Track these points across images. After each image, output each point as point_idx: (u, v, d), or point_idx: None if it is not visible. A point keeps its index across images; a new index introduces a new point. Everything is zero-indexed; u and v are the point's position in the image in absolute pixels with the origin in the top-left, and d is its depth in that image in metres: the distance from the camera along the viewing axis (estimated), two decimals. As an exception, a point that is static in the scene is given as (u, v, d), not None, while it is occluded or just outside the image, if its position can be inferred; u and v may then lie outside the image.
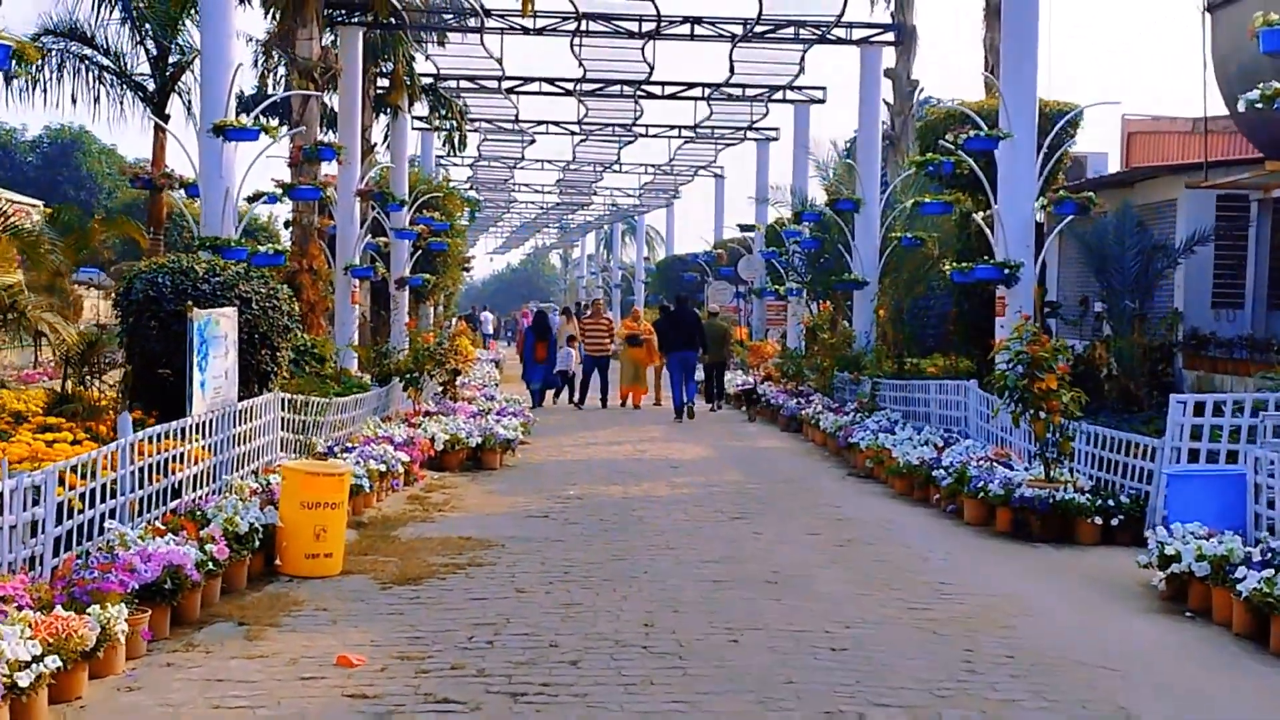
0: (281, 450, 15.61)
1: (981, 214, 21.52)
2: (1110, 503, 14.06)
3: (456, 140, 42.62)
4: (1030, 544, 14.01)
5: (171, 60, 25.77)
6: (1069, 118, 21.02)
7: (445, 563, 12.56)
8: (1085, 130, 25.12)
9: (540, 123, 46.02)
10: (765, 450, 23.22)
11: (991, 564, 13.02)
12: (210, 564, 10.52)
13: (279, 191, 20.97)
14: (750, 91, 38.50)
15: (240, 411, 14.00)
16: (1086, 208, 19.22)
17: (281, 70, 31.87)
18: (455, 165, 56.52)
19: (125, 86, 25.79)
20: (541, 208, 75.80)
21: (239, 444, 13.96)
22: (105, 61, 25.42)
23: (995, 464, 16.23)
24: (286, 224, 29.60)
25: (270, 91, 36.73)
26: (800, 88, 37.63)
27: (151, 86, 25.98)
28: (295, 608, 10.72)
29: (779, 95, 38.30)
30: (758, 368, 34.72)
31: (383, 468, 16.18)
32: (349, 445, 16.95)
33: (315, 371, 22.26)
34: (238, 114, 36.76)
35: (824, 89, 38.55)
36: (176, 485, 12.09)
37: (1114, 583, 12.14)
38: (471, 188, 63.51)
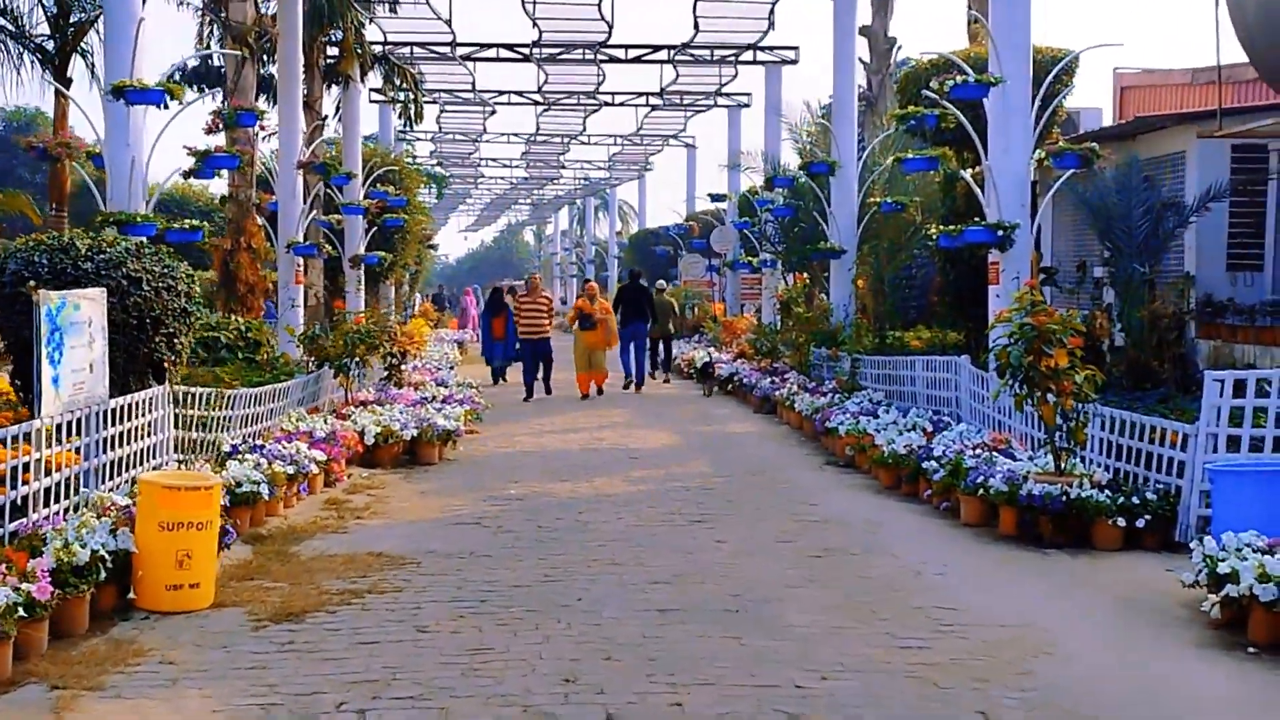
0: (178, 452, 13.55)
1: (970, 171, 19.42)
2: (1134, 500, 11.97)
3: (413, 112, 40.37)
4: (1040, 550, 11.94)
5: (74, 19, 23.37)
6: (1063, 64, 18.99)
7: (342, 589, 10.44)
8: (1076, 84, 23.01)
9: (500, 92, 43.95)
10: (736, 436, 21.11)
11: (997, 579, 10.92)
12: (27, 607, 8.38)
13: (191, 159, 18.72)
14: (718, 53, 36.51)
15: (115, 410, 11.89)
16: (1090, 160, 17.16)
17: (216, 36, 29.78)
18: (418, 140, 54.55)
19: (22, 47, 23.46)
20: (510, 183, 73.75)
21: (112, 448, 11.85)
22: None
23: (994, 453, 14.17)
24: (222, 199, 27.42)
25: (206, 61, 34.76)
26: (770, 48, 35.78)
27: (51, 47, 23.66)
28: (134, 660, 8.57)
29: (748, 56, 36.45)
30: (730, 344, 32.71)
31: (291, 469, 14.05)
32: (259, 443, 14.80)
33: (249, 358, 20.20)
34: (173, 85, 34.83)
35: (796, 49, 36.58)
36: (20, 501, 9.98)
37: (1149, 603, 10.04)
38: (437, 164, 61.53)
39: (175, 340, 14.31)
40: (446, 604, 9.99)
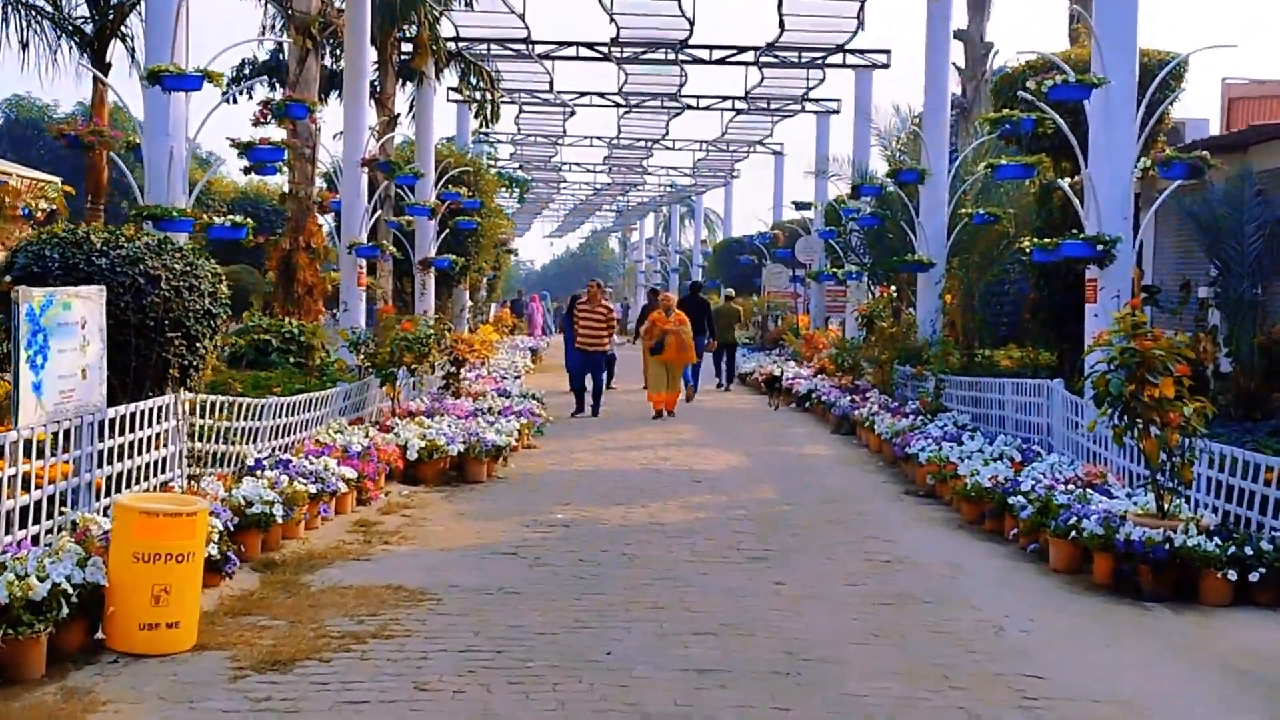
0: (194, 465, 12.42)
1: (1069, 181, 17.98)
2: (1246, 550, 10.55)
3: (489, 111, 39.33)
4: (1139, 604, 10.55)
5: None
6: (1171, 67, 17.55)
7: (345, 631, 9.24)
8: (1183, 91, 21.56)
9: (579, 93, 42.78)
10: (809, 459, 19.75)
11: (1090, 640, 9.53)
12: (-41, 653, 7.24)
13: (236, 151, 17.62)
14: (805, 55, 35.22)
15: (115, 420, 10.80)
16: (1201, 170, 15.67)
17: (279, 27, 28.83)
18: (499, 141, 53.57)
19: (60, 31, 22.40)
20: (593, 188, 72.66)
21: (110, 462, 10.74)
22: (37, 1, 22.01)
23: (1088, 489, 12.78)
24: (282, 197, 26.43)
25: (277, 55, 33.84)
26: (860, 50, 34.43)
27: (90, 30, 22.61)
28: (82, 718, 7.39)
29: (836, 59, 35.04)
30: (810, 359, 31.34)
31: (314, 488, 12.88)
32: (286, 458, 13.65)
33: (300, 363, 19.14)
34: (240, 80, 33.97)
35: (887, 52, 35.25)
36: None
37: (1267, 678, 8.66)
38: (519, 167, 60.54)
39: (198, 344, 13.31)
40: (458, 654, 8.75)
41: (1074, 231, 16.06)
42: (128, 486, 11.05)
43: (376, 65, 31.13)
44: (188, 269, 13.24)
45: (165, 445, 11.79)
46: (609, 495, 15.70)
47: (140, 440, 11.29)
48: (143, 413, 11.35)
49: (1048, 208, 20.46)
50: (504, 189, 52.37)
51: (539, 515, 14.27)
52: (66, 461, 10.06)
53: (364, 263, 26.00)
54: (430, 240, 31.23)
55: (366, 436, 16.02)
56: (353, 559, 11.82)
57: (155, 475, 11.60)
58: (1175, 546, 10.58)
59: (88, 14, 22.22)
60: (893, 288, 29.20)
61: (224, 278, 14.20)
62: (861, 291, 32.39)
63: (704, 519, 14.25)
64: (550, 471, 17.76)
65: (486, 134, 49.35)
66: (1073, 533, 11.48)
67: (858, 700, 7.92)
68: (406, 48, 31.38)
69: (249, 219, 16.97)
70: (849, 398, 23.84)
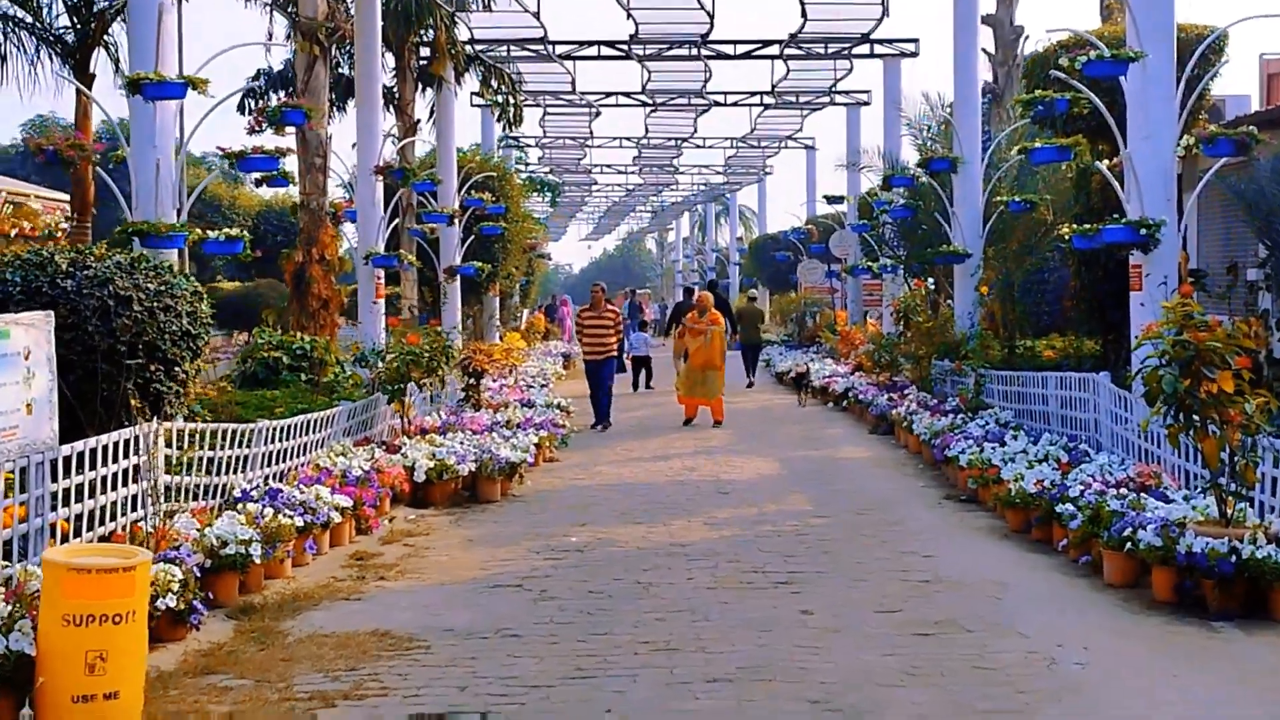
0: (177, 500, 11.54)
1: (1107, 163, 16.87)
2: (1323, 560, 9.48)
3: (512, 114, 38.34)
4: (1206, 624, 9.47)
5: (97, 5, 21.26)
6: (1211, 40, 16.44)
7: (315, 691, 8.27)
8: (1222, 67, 20.45)
9: (604, 94, 41.80)
10: (844, 464, 18.68)
11: (1155, 673, 8.46)
12: None
13: (227, 163, 16.70)
14: (830, 46, 34.17)
15: (72, 456, 9.91)
16: (1249, 145, 14.58)
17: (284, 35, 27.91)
18: (528, 145, 52.70)
19: (39, 39, 21.41)
20: (625, 189, 71.68)
21: (67, 504, 9.85)
22: (15, 11, 21.03)
23: (1142, 493, 11.72)
24: (293, 208, 25.55)
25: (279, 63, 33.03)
26: (888, 40, 33.40)
27: (72, 39, 21.65)
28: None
29: (863, 49, 34.00)
30: (847, 356, 30.26)
31: (301, 521, 11.92)
32: (275, 488, 12.68)
33: (311, 380, 18.21)
34: (262, 95, 33.18)
35: (915, 41, 34.18)
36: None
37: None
38: (549, 171, 59.70)
39: (175, 368, 12.35)
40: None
41: (1115, 216, 14.99)
42: (89, 529, 10.16)
43: (394, 71, 30.28)
44: (163, 288, 12.35)
45: (136, 481, 10.87)
46: (629, 513, 14.71)
47: (107, 477, 10.39)
48: (105, 447, 10.44)
49: (1086, 192, 19.38)
50: (535, 193, 51.54)
51: (551, 539, 13.29)
52: (10, 505, 9.13)
53: (381, 273, 25.09)
54: (455, 248, 30.32)
55: (370, 459, 15.06)
56: (342, 599, 10.86)
57: (124, 515, 10.69)
58: (1242, 558, 9.50)
59: (69, 23, 21.27)
60: (929, 280, 28.11)
61: (204, 295, 13.33)
62: (897, 285, 31.35)
63: (729, 537, 13.22)
64: (570, 487, 16.77)
65: (515, 139, 48.49)
66: (1128, 544, 10.41)
67: (889, 760, 6.88)
68: (424, 53, 30.51)
69: (270, 233, 16.11)
70: (886, 396, 22.79)
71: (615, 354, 24.60)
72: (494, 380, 25.86)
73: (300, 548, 11.82)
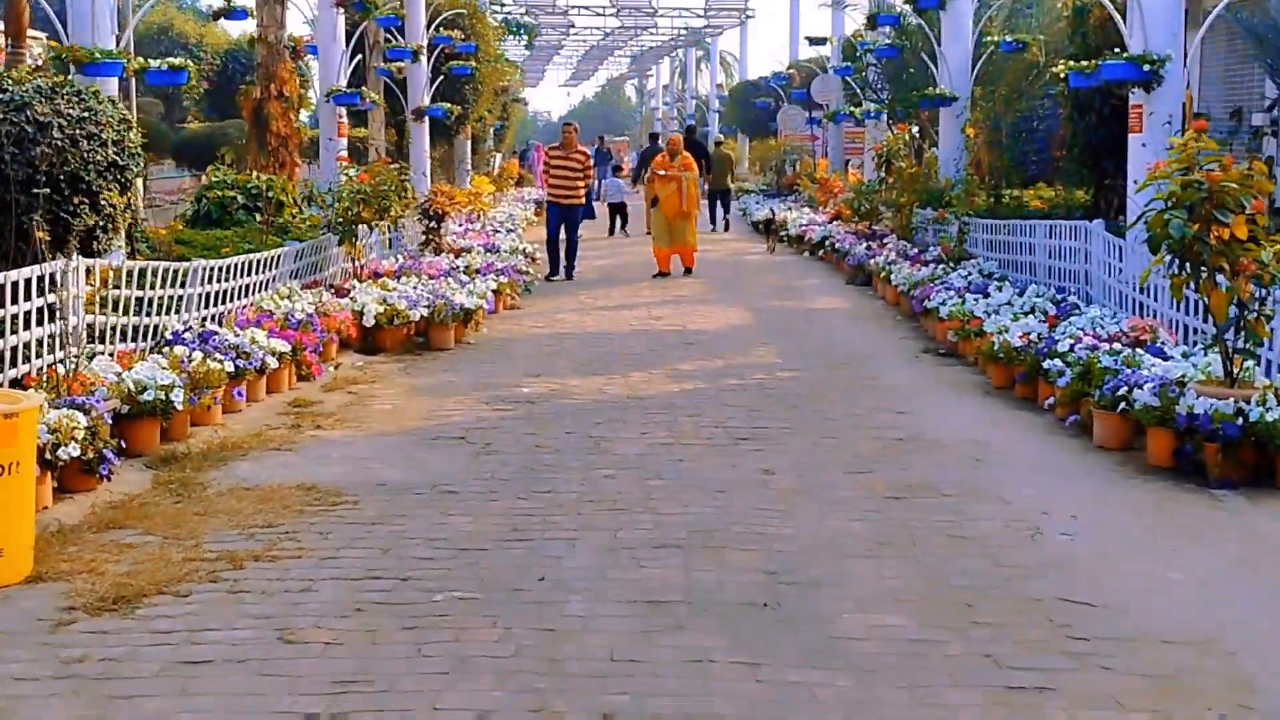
0: (110, 341, 10.71)
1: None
2: (1336, 423, 8.67)
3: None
4: (1206, 491, 8.66)
5: None
6: None
7: (224, 551, 7.44)
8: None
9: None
10: (819, 314, 17.81)
11: (1151, 546, 7.65)
12: None
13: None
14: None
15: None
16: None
17: None
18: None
19: None
20: (604, 32, 69.91)
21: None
22: None
23: (1136, 348, 10.89)
24: (250, 42, 24.41)
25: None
26: None
27: None
28: None
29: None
30: (826, 205, 29.29)
31: (233, 366, 11.05)
32: (209, 331, 11.80)
33: (267, 220, 17.24)
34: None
35: None
36: None
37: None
38: (525, 13, 58.10)
39: (101, 200, 11.38)
40: (351, 584, 6.92)
41: (1115, 51, 14.00)
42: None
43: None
44: (86, 115, 11.35)
45: (55, 321, 9.98)
46: (587, 363, 13.87)
47: (18, 316, 9.52)
48: (14, 284, 9.54)
49: (1082, 31, 18.31)
50: (510, 35, 50.03)
51: (503, 389, 12.45)
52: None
53: (344, 112, 24.06)
54: (423, 88, 29.17)
55: (316, 302, 14.18)
56: (273, 448, 10.03)
57: (39, 358, 9.81)
58: (1250, 421, 8.67)
59: None
60: (914, 126, 27.05)
61: (133, 124, 12.38)
62: (880, 131, 30.30)
63: (690, 391, 12.38)
64: (528, 336, 15.91)
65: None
66: (1122, 404, 9.58)
67: (850, 648, 6.05)
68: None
69: (239, 73, 15.15)
70: (865, 245, 21.88)
71: (583, 200, 22.77)
72: (459, 225, 24.93)
73: (229, 394, 10.91)
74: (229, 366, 10.94)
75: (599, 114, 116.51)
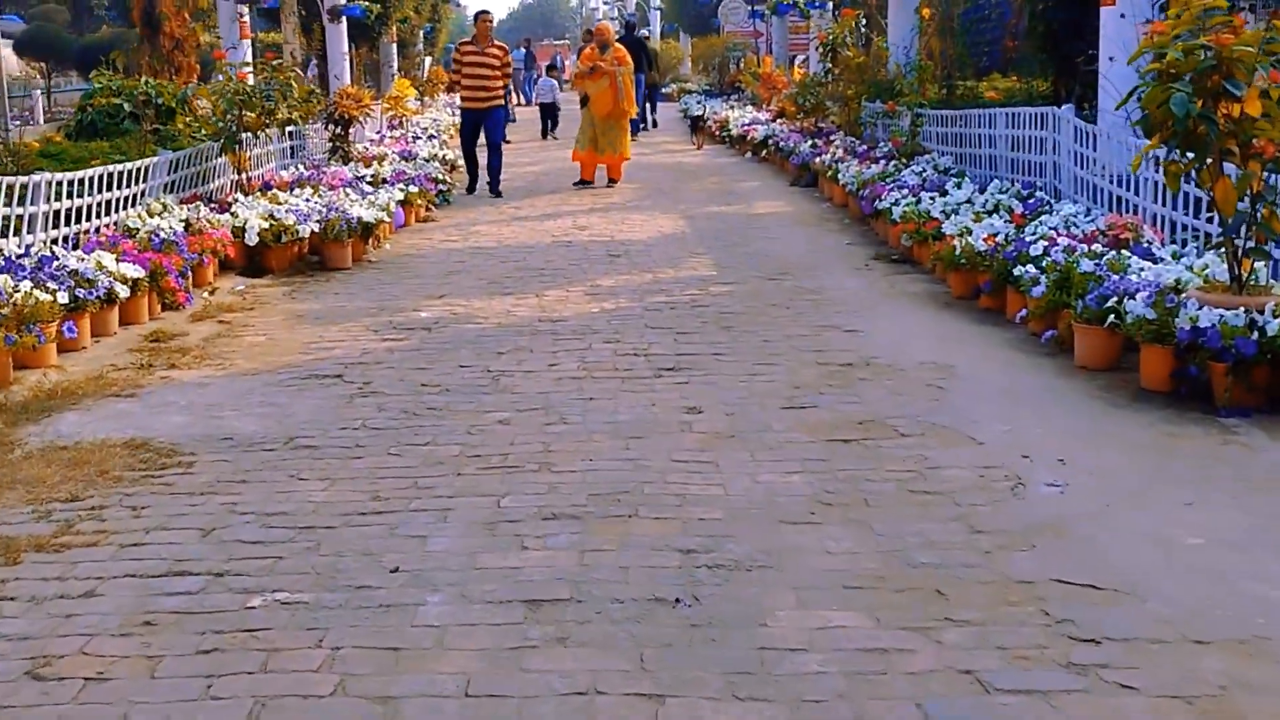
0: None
1: None
2: (1369, 336, 7.20)
3: None
4: (1215, 421, 7.21)
5: None
6: None
7: (1, 538, 5.87)
8: None
9: None
10: (760, 220, 16.24)
11: (1161, 499, 6.14)
12: None
13: None
14: None
15: None
16: None
17: None
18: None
19: None
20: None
21: None
22: None
23: (1121, 250, 9.42)
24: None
25: None
26: None
27: None
28: None
29: None
30: (769, 103, 27.64)
31: (66, 297, 9.46)
32: (50, 255, 10.20)
33: (145, 130, 15.52)
34: None
35: None
36: None
37: None
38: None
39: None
40: (146, 585, 5.37)
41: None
42: None
43: None
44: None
45: None
46: (499, 281, 12.32)
47: None
48: None
49: (1042, -100, 16.67)
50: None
51: (399, 314, 10.92)
52: None
53: (245, 11, 22.32)
54: (339, -17, 27.30)
55: (188, 219, 12.57)
56: (111, 395, 8.47)
57: None
58: (1267, 336, 7.20)
59: None
60: (861, 14, 25.38)
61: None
62: (826, 22, 28.60)
63: (611, 311, 10.85)
64: (438, 251, 14.33)
65: None
66: (1111, 317, 8.10)
67: (786, 665, 4.53)
68: None
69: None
70: (810, 143, 20.31)
71: (501, 102, 19.99)
72: (375, 133, 23.26)
73: (55, 332, 9.29)
74: (63, 297, 9.35)
75: (538, 19, 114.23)
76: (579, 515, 6.00)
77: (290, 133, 18.14)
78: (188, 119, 17.03)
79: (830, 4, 27.33)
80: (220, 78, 15.14)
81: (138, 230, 11.89)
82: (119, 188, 12.36)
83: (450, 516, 6.04)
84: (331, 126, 19.07)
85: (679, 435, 7.26)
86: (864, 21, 24.89)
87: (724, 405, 7.84)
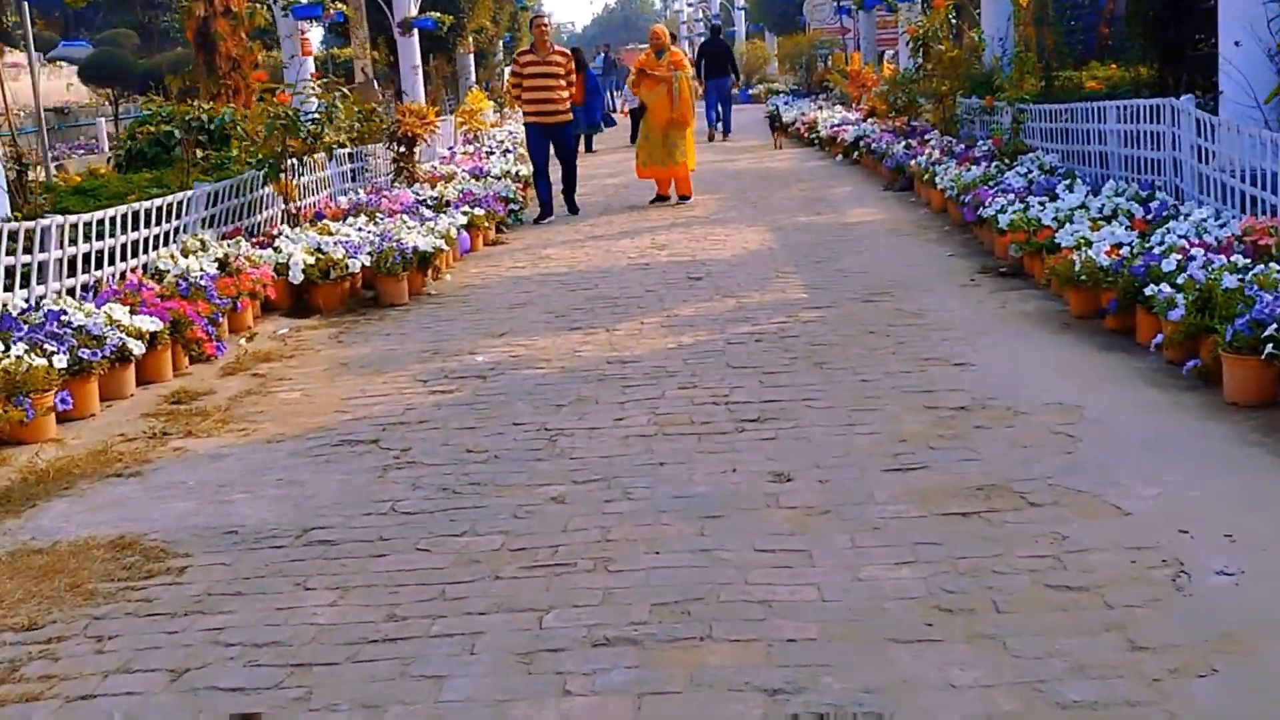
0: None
1: None
2: None
3: None
4: None
5: None
6: None
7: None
8: None
9: None
10: (853, 230, 15.00)
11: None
12: None
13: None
14: None
15: None
16: None
17: None
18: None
19: None
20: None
21: None
22: None
23: (1264, 258, 8.13)
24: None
25: None
26: None
27: None
28: None
29: None
30: (859, 102, 26.36)
31: (66, 359, 8.41)
32: (56, 310, 9.15)
33: (208, 156, 14.64)
34: None
35: None
36: None
37: None
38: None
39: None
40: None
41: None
42: None
43: None
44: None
45: None
46: (567, 314, 11.20)
47: None
48: None
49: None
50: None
51: (453, 358, 9.82)
52: None
53: (308, 28, 21.40)
54: (410, -4, 26.39)
55: (224, 257, 11.55)
56: (113, 475, 7.41)
57: None
58: None
59: None
60: (950, 5, 24.03)
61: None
62: (916, 15, 27.26)
63: (689, 347, 9.66)
64: (502, 280, 13.23)
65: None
66: (1270, 346, 6.82)
67: None
68: None
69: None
70: (904, 144, 19.04)
71: (569, 115, 17.82)
72: (446, 149, 22.24)
73: (42, 406, 8.16)
74: (62, 360, 8.28)
75: (621, 23, 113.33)
76: (638, 639, 4.81)
77: (350, 154, 17.14)
78: (246, 144, 16.08)
79: (919, -3, 26.02)
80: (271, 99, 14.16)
81: (166, 273, 10.86)
82: (149, 225, 11.33)
83: (479, 644, 4.88)
84: (395, 146, 18.03)
85: (764, 512, 6.06)
86: (954, 13, 23.58)
87: (817, 469, 6.63)
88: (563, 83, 17.46)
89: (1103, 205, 11.14)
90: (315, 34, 33.17)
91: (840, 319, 10.18)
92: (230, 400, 8.98)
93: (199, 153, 15.34)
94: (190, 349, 9.88)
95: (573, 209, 17.97)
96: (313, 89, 14.75)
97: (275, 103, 13.66)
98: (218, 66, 19.90)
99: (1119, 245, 9.35)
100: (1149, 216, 10.35)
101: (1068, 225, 10.56)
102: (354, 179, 17.30)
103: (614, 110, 34.88)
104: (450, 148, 23.27)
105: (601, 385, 8.68)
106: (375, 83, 28.27)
